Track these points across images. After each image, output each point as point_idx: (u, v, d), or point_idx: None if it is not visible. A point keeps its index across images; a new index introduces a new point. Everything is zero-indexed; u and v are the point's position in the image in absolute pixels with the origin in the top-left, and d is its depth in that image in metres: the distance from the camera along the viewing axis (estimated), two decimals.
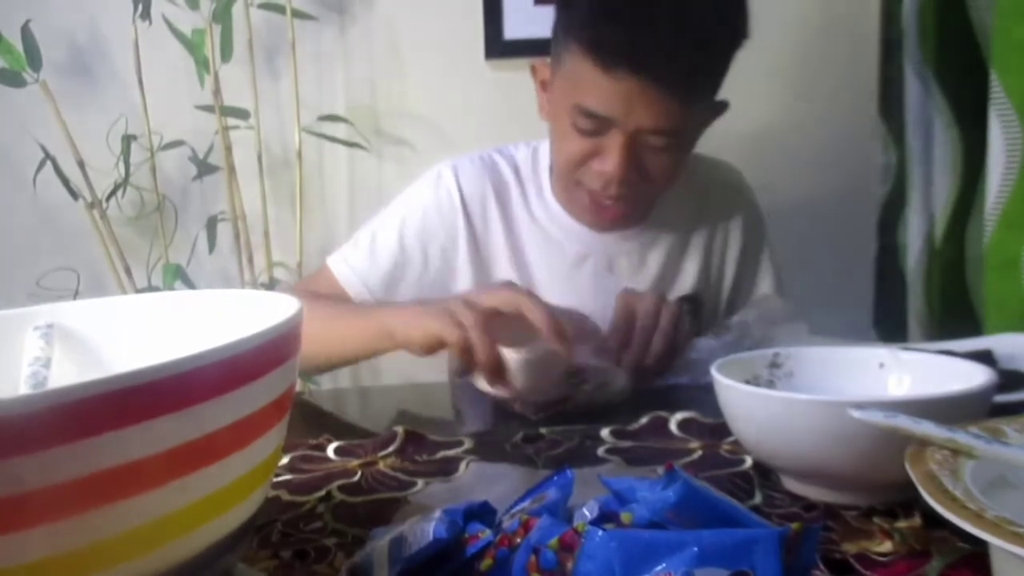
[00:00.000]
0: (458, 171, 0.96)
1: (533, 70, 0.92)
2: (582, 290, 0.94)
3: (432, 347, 0.71)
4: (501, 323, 0.68)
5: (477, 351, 0.66)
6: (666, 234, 0.97)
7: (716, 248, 1.00)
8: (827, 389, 0.56)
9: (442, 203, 0.94)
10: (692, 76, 0.80)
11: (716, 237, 1.00)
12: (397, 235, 0.93)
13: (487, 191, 0.95)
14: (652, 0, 0.77)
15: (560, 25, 0.84)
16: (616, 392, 0.73)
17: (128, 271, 1.43)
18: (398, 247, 0.93)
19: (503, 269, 0.95)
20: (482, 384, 0.69)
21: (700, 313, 0.98)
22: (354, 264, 0.93)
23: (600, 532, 0.30)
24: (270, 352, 0.33)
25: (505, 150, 1.00)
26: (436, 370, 1.08)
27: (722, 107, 0.90)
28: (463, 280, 0.95)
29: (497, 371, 0.67)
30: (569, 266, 0.95)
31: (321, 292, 0.92)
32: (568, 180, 0.89)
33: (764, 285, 1.04)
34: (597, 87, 0.79)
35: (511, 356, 0.66)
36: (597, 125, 0.82)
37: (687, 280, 0.99)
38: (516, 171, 0.98)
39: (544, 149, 0.99)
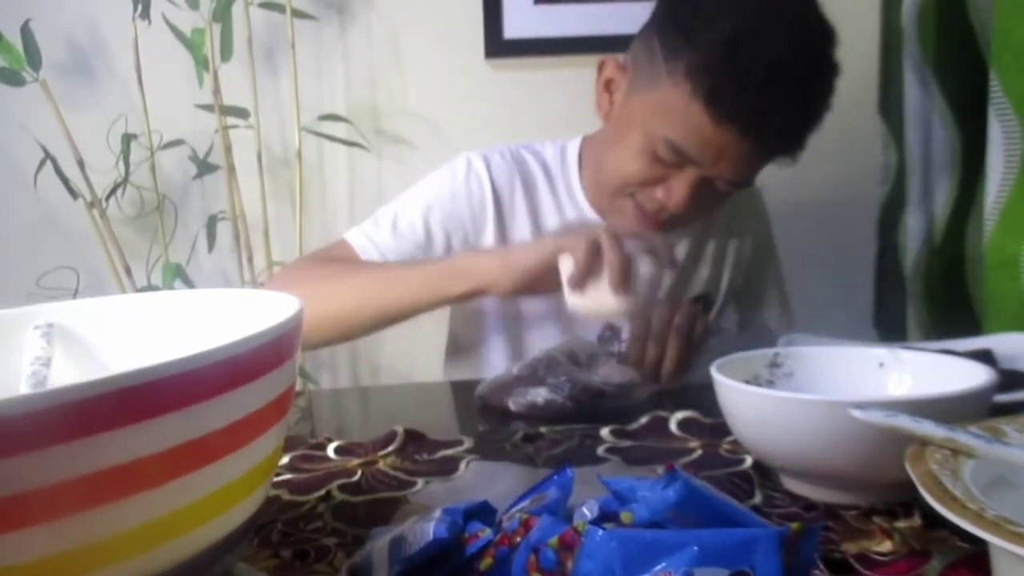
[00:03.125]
0: (490, 163, 0.93)
1: (601, 66, 0.89)
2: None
3: (539, 272, 0.70)
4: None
5: (608, 254, 0.66)
6: (684, 238, 0.97)
7: (728, 249, 1.00)
8: (827, 389, 0.56)
9: (472, 192, 0.92)
10: (798, 140, 0.81)
11: (730, 239, 1.00)
12: (422, 218, 0.90)
13: (516, 184, 0.93)
14: (779, 66, 0.75)
15: (666, 48, 0.80)
16: (638, 398, 0.73)
17: (128, 270, 1.43)
18: (422, 230, 0.90)
19: None
20: (578, 300, 0.68)
21: (708, 312, 0.98)
22: (376, 240, 0.89)
23: (600, 531, 0.30)
24: (270, 352, 0.33)
25: (532, 147, 0.98)
26: (436, 370, 1.08)
27: None
28: None
29: (627, 276, 0.67)
30: None
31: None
32: (619, 192, 0.87)
33: (771, 296, 1.05)
34: (697, 131, 0.78)
35: (644, 263, 0.68)
36: (679, 160, 0.80)
37: (699, 282, 0.99)
38: (545, 168, 0.96)
39: (572, 149, 0.97)
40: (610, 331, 0.82)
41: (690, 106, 0.77)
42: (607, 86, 0.89)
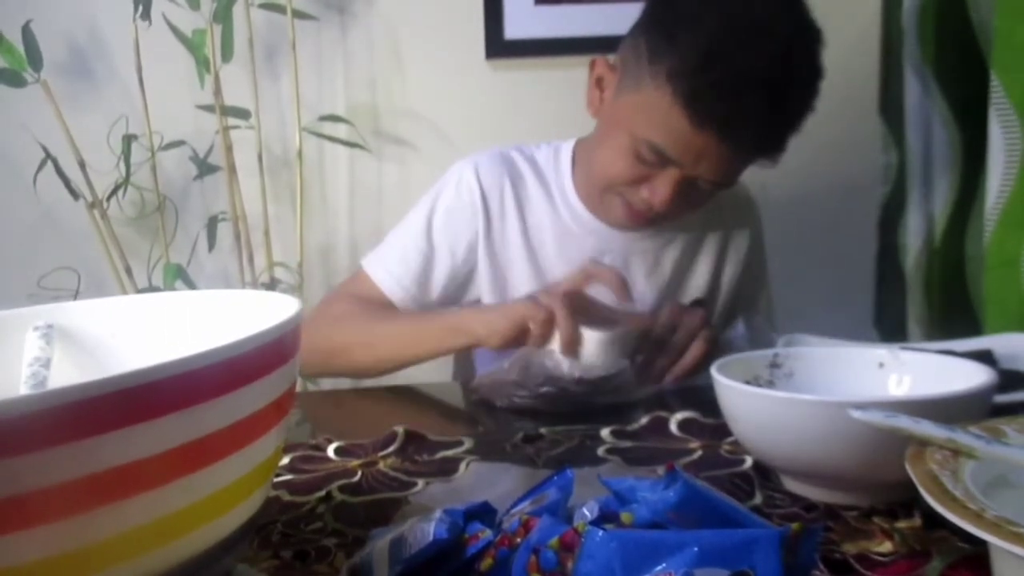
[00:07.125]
0: (478, 168, 0.97)
1: (592, 65, 0.91)
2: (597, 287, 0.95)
3: (515, 334, 0.76)
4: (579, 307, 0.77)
5: (560, 326, 0.73)
6: (680, 237, 0.98)
7: (725, 256, 1.02)
8: (827, 389, 0.56)
9: (463, 200, 0.96)
10: (777, 144, 0.83)
11: (726, 246, 1.01)
12: (426, 238, 0.96)
13: (505, 185, 0.97)
14: (753, 76, 0.76)
15: (651, 51, 0.81)
16: (633, 395, 0.74)
17: (128, 271, 1.43)
18: (426, 245, 0.95)
19: (517, 263, 0.96)
20: (551, 356, 0.75)
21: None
22: (389, 266, 0.95)
23: (600, 532, 0.30)
24: (270, 352, 0.33)
25: (524, 148, 1.01)
26: (436, 371, 1.08)
27: None
28: (481, 272, 0.96)
29: (574, 345, 0.73)
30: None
31: (362, 296, 0.95)
32: (607, 190, 0.90)
33: (761, 297, 1.06)
34: (676, 134, 0.79)
35: (589, 334, 0.74)
36: (660, 160, 0.82)
37: (697, 284, 1.00)
38: (536, 168, 0.99)
39: (566, 150, 0.99)
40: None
41: (671, 110, 0.78)
42: (598, 83, 0.91)
